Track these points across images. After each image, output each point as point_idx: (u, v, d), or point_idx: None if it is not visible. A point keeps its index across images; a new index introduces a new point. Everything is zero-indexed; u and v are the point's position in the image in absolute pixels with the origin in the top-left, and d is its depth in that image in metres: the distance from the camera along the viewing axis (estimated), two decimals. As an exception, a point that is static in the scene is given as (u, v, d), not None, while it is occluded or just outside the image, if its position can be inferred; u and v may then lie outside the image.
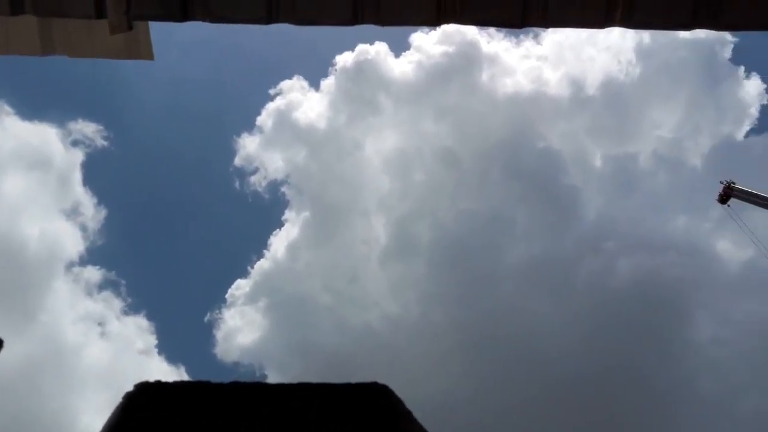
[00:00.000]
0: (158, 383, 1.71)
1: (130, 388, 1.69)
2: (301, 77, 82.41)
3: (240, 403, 1.62)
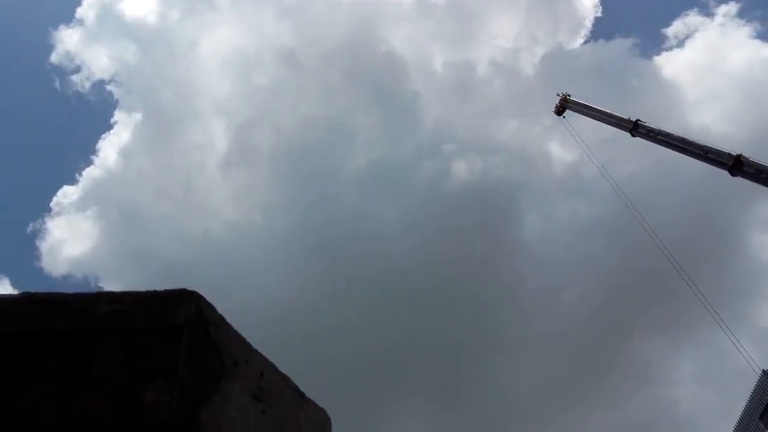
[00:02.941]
0: None
1: None
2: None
3: (43, 312, 1.54)
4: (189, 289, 1.45)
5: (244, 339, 1.55)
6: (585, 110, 35.78)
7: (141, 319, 1.46)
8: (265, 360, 1.58)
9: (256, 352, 1.56)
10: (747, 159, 23.42)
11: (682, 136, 26.85)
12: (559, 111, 38.45)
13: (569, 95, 37.73)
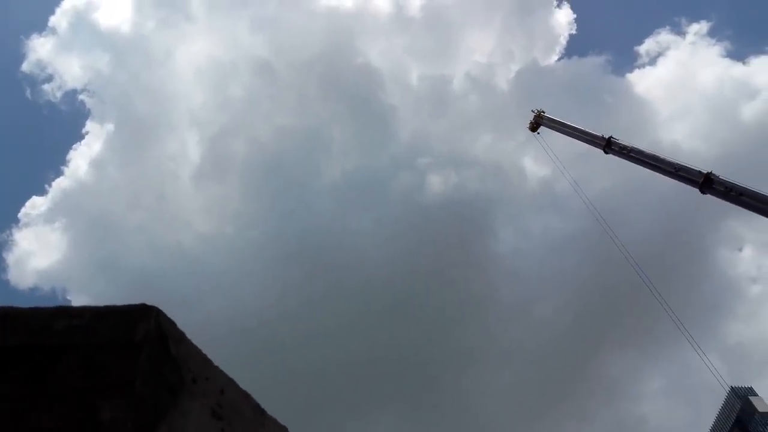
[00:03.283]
0: None
1: None
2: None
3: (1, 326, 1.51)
4: (149, 304, 1.45)
5: (205, 355, 1.54)
6: (559, 127, 36.14)
7: (99, 334, 1.44)
8: (226, 376, 1.57)
9: (216, 368, 1.55)
10: (717, 177, 23.77)
11: (654, 153, 27.21)
12: (534, 127, 38.77)
13: (543, 111, 38.09)
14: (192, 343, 1.52)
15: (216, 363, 1.58)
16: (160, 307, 1.48)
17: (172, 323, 1.47)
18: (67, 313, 1.48)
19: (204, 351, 1.58)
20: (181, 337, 1.49)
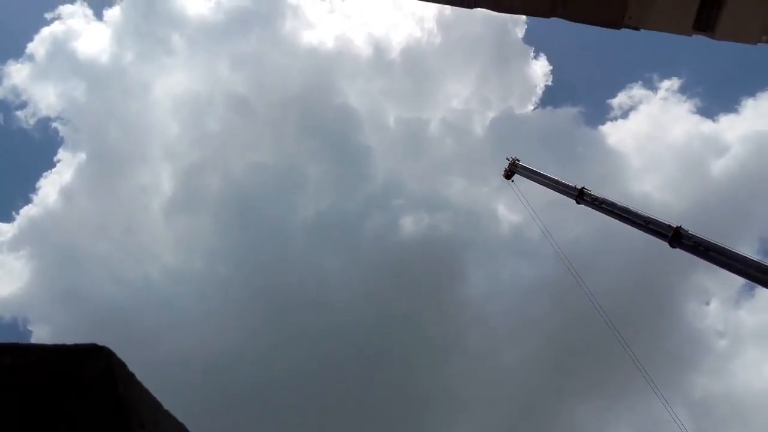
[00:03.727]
0: None
1: None
2: (84, 4, 74.93)
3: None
4: (100, 344, 1.41)
5: (155, 398, 1.50)
6: (533, 176, 36.54)
7: (46, 373, 1.40)
8: (176, 421, 1.54)
9: (166, 412, 1.51)
10: (686, 231, 24.10)
11: (625, 206, 27.58)
12: (508, 175, 39.15)
13: (518, 160, 38.54)
14: (142, 386, 1.49)
15: (173, 405, 1.54)
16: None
17: (122, 364, 1.44)
18: (15, 349, 1.45)
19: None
20: (130, 378, 1.45)
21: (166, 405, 1.59)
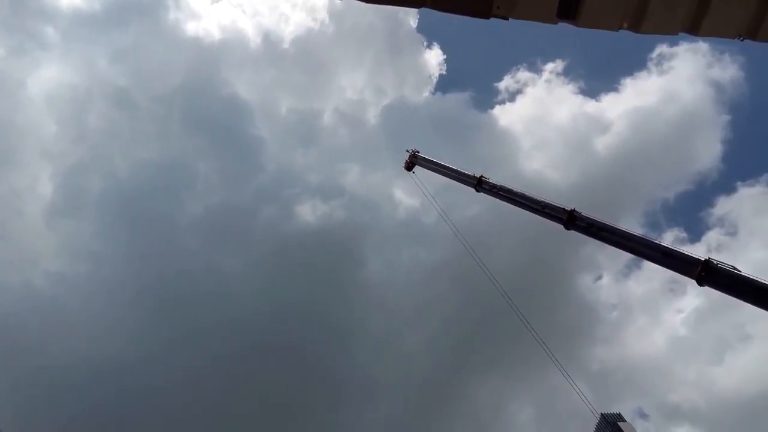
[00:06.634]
0: None
1: None
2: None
3: None
4: None
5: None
6: (433, 167, 37.06)
7: None
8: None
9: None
10: (579, 213, 24.93)
11: (522, 192, 28.29)
12: (409, 167, 39.61)
13: (418, 152, 39.00)
14: None
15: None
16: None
17: None
18: None
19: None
20: None
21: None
